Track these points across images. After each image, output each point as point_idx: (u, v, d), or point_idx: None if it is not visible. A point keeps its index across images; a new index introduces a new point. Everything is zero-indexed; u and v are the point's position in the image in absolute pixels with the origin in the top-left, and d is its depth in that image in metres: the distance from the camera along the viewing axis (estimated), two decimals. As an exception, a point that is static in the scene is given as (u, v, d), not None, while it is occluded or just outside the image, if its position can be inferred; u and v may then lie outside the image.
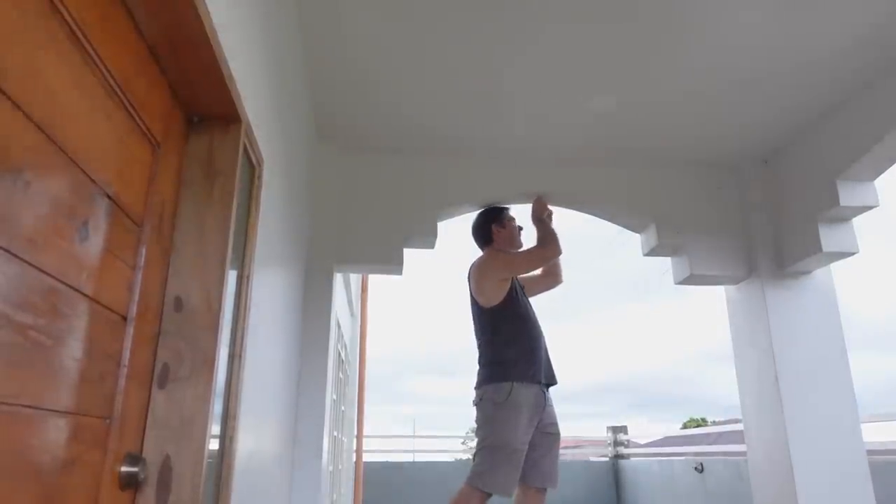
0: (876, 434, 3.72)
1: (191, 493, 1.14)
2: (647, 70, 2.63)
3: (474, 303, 2.81)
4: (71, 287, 0.88)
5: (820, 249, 2.95)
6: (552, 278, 3.05)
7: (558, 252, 2.90)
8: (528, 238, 3.05)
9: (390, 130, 3.14)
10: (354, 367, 5.45)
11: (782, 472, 2.97)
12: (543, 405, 2.64)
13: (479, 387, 2.66)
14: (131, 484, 1.07)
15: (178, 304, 1.22)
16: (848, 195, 2.85)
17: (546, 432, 2.65)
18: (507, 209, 3.08)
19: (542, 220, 3.07)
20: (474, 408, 2.66)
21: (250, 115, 1.48)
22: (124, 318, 1.08)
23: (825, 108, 2.91)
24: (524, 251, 2.98)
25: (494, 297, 2.73)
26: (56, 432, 0.87)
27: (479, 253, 2.98)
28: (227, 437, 1.36)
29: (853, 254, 2.99)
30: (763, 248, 3.26)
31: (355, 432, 5.38)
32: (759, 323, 3.20)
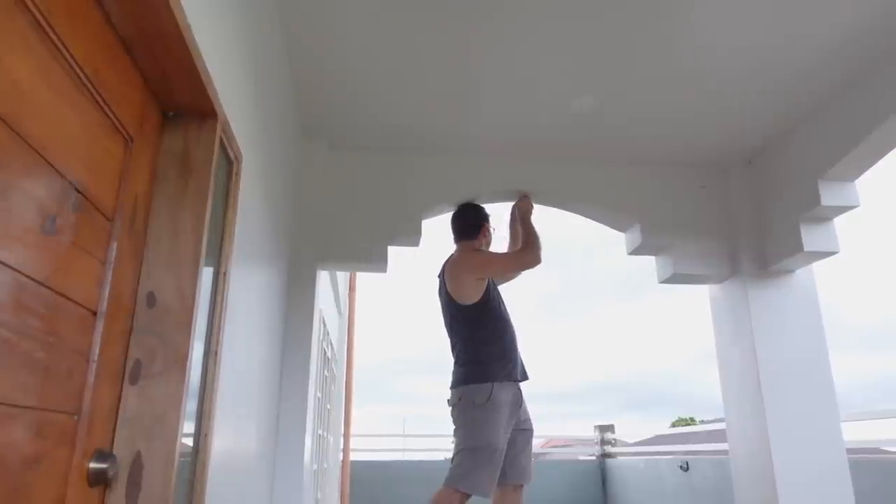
0: (857, 433, 3.75)
1: (162, 491, 1.13)
2: (632, 69, 2.64)
3: (450, 301, 2.76)
4: (36, 281, 0.87)
5: (801, 249, 2.97)
6: None
7: (539, 261, 2.80)
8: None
9: (375, 128, 3.13)
10: (341, 366, 5.44)
11: (764, 470, 2.99)
12: (520, 403, 2.64)
13: (456, 387, 2.62)
14: (100, 481, 1.06)
15: (151, 299, 1.21)
16: (829, 195, 2.88)
17: (522, 429, 2.65)
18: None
19: (527, 221, 3.03)
20: (450, 408, 2.64)
21: (228, 111, 1.47)
22: (94, 314, 1.07)
23: (807, 110, 2.93)
24: (505, 254, 2.96)
25: (473, 296, 2.70)
26: (21, 428, 0.85)
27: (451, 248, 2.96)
28: (201, 435, 1.36)
29: (834, 253, 3.02)
30: (746, 248, 3.29)
31: (342, 431, 5.36)
32: (742, 322, 3.23)
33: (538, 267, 2.82)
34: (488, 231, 2.97)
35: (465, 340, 2.70)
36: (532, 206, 3.13)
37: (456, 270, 2.78)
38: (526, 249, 2.86)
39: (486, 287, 2.73)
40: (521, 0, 2.23)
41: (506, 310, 2.80)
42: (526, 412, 2.70)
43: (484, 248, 2.93)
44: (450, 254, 2.93)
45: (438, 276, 2.89)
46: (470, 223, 2.96)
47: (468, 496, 2.45)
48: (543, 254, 2.81)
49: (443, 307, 2.83)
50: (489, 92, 2.81)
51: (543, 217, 3.27)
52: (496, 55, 2.54)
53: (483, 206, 3.08)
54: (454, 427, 2.61)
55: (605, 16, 2.31)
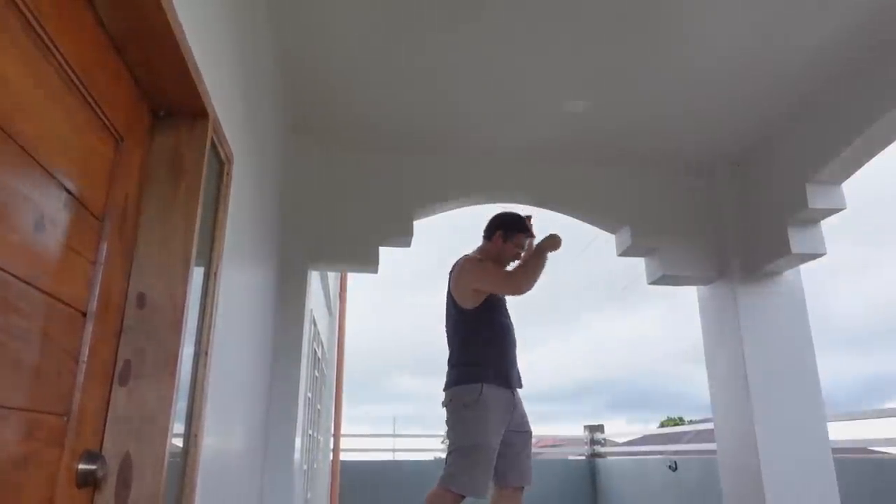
0: (843, 432, 3.79)
1: (152, 491, 1.12)
2: (622, 73, 2.66)
3: (452, 300, 2.76)
4: (24, 281, 0.86)
5: (789, 251, 3.00)
6: None
7: (527, 289, 2.70)
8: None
9: (366, 129, 3.13)
10: (332, 366, 5.43)
11: (750, 469, 3.02)
12: (513, 407, 2.64)
13: (448, 388, 2.62)
14: (89, 482, 1.05)
15: (142, 300, 1.21)
16: (816, 198, 2.91)
17: (520, 431, 2.65)
18: (528, 230, 2.89)
19: (540, 251, 2.81)
20: (444, 409, 2.64)
21: (219, 111, 1.46)
22: (84, 314, 1.06)
23: (795, 113, 2.96)
24: (498, 273, 2.80)
25: (474, 300, 2.71)
26: (9, 429, 0.85)
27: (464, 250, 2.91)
28: (191, 435, 1.35)
29: (821, 255, 3.05)
30: (734, 250, 3.31)
31: (332, 431, 5.36)
32: (730, 323, 3.26)
33: (525, 295, 2.72)
34: (501, 242, 2.82)
35: (461, 342, 2.69)
36: (557, 247, 2.86)
37: (456, 274, 2.77)
38: (519, 274, 2.74)
39: (486, 295, 2.71)
40: (516, 3, 2.24)
41: (507, 316, 2.78)
42: (523, 415, 2.70)
43: (493, 256, 2.82)
44: (463, 252, 2.87)
45: (449, 275, 2.85)
46: (491, 225, 2.86)
47: (462, 497, 2.46)
48: (535, 286, 2.71)
49: (446, 306, 2.82)
50: (481, 93, 2.82)
51: (536, 216, 3.24)
52: (489, 57, 2.55)
53: (519, 217, 2.90)
54: (447, 428, 2.61)
55: (596, 20, 2.32)
